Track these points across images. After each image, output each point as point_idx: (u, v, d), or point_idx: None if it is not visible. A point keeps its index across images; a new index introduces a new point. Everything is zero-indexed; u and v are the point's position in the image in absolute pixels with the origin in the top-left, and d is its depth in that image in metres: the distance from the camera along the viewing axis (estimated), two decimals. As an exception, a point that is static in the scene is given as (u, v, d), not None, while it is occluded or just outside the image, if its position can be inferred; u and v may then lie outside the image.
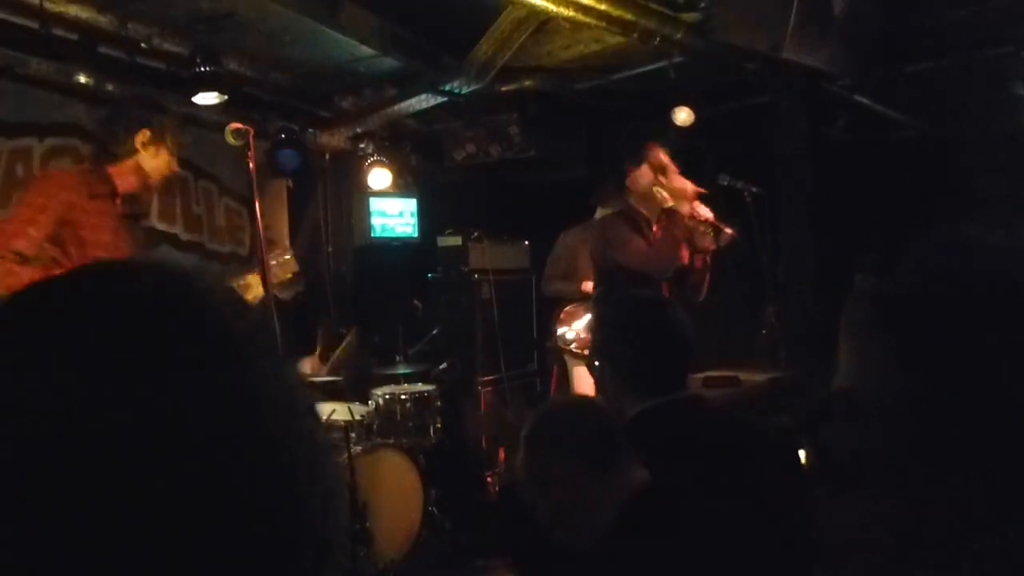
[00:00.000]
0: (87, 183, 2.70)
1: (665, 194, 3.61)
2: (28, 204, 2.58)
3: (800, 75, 3.98)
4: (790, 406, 3.24)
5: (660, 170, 3.63)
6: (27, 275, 2.43)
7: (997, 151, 4.31)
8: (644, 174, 3.66)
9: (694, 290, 3.76)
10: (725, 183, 3.86)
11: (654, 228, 3.68)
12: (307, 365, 4.75)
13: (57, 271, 2.46)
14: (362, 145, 5.39)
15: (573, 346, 4.57)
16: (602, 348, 1.95)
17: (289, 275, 3.16)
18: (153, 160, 2.81)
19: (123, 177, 2.79)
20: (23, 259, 2.51)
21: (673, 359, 1.88)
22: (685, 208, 3.56)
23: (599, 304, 3.60)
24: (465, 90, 4.48)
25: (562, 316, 4.74)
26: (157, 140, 2.79)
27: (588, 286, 4.45)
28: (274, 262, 3.10)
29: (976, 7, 3.77)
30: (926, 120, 5.08)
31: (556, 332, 4.73)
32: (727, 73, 4.56)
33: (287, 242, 5.20)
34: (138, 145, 2.76)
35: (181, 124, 2.90)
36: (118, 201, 2.80)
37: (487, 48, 4.12)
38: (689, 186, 3.61)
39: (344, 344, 4.90)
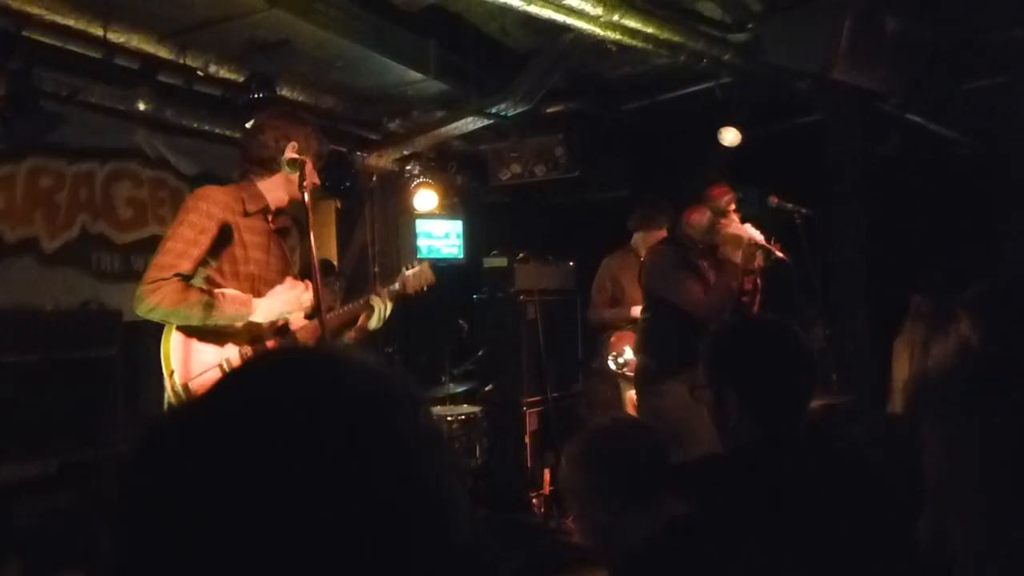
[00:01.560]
0: (240, 200, 2.67)
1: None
2: (190, 225, 2.54)
3: (852, 94, 3.93)
4: (845, 434, 3.18)
5: (721, 213, 3.55)
6: (193, 296, 2.46)
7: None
8: (702, 214, 3.58)
9: (745, 310, 3.71)
10: (774, 205, 3.81)
11: (708, 272, 3.59)
12: None
13: (212, 289, 2.53)
14: (408, 167, 5.45)
15: (626, 370, 4.54)
16: (724, 372, 1.84)
17: (428, 283, 3.17)
18: (299, 173, 2.71)
19: (273, 192, 2.75)
20: (185, 279, 2.50)
21: (803, 386, 1.83)
22: (737, 256, 3.46)
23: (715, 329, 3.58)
24: (511, 112, 4.51)
25: (613, 341, 4.72)
26: (303, 151, 2.73)
27: (636, 311, 4.42)
28: (410, 271, 3.12)
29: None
30: (981, 138, 4.97)
31: (608, 356, 4.70)
32: (776, 93, 4.53)
33: (336, 262, 5.27)
34: (286, 160, 2.69)
35: (320, 135, 2.86)
36: (270, 217, 2.76)
37: (534, 71, 4.15)
38: (745, 233, 3.52)
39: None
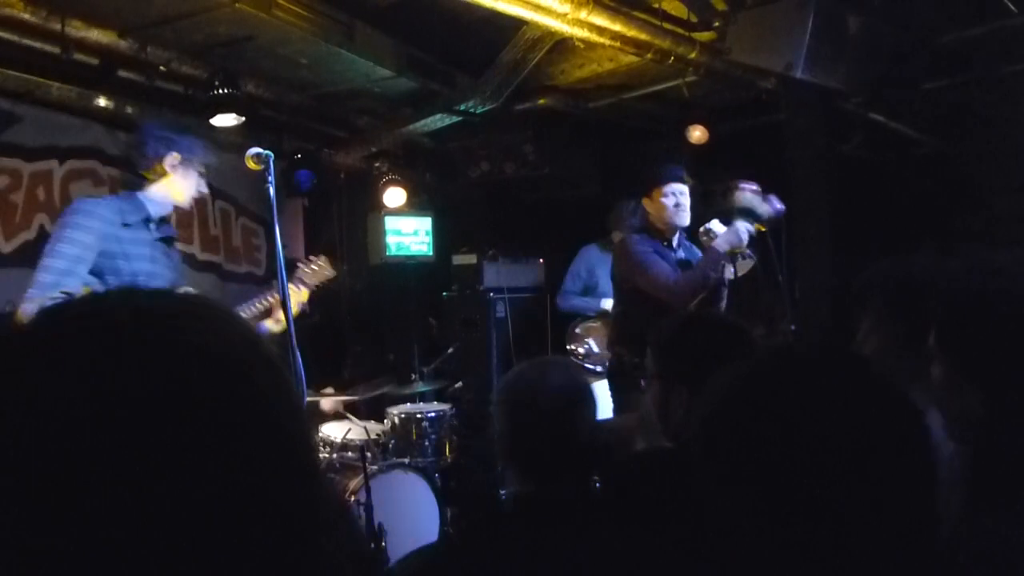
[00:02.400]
0: (119, 211, 2.67)
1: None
2: (71, 241, 2.53)
3: (815, 93, 3.98)
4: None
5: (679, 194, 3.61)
6: None
7: (1014, 169, 4.28)
8: (660, 200, 3.63)
9: (712, 306, 3.75)
10: (755, 234, 3.84)
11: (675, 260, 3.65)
12: (327, 401, 4.61)
13: None
14: (377, 164, 5.42)
15: (587, 362, 4.57)
16: (670, 366, 1.84)
17: (328, 277, 3.20)
18: (183, 182, 2.79)
19: (154, 201, 2.76)
20: (71, 297, 2.47)
21: None
22: (723, 245, 3.51)
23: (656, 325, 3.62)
24: (480, 109, 4.50)
25: (577, 331, 4.74)
26: (186, 162, 2.77)
27: (608, 303, 4.45)
28: (312, 268, 3.13)
29: (993, 25, 3.76)
30: (943, 137, 5.05)
31: (569, 347, 4.72)
32: (741, 91, 4.57)
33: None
34: (167, 168, 2.74)
35: (207, 145, 2.89)
36: (152, 226, 2.77)
37: (502, 68, 4.14)
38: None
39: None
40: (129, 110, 3.95)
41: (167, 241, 2.85)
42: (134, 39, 3.54)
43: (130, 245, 2.66)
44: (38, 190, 3.76)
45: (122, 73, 3.78)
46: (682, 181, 3.65)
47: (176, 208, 2.84)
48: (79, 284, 2.50)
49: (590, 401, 1.67)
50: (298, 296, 2.98)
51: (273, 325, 2.96)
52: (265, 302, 2.98)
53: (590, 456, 1.62)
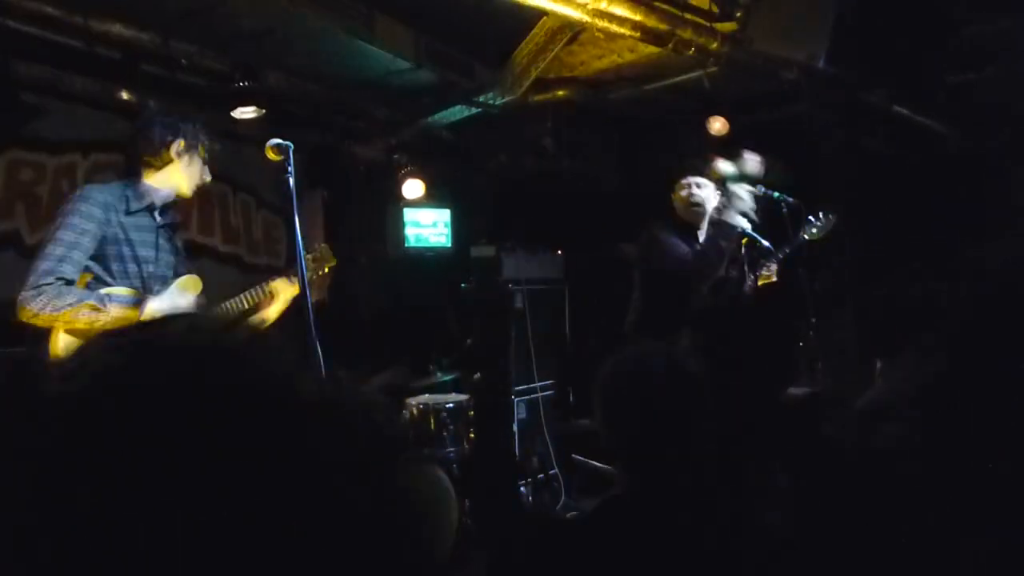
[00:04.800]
0: (123, 198, 2.66)
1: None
2: (70, 227, 2.53)
3: (838, 85, 3.93)
4: (829, 419, 3.20)
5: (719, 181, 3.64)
6: (76, 301, 2.45)
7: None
8: (679, 192, 3.67)
9: (728, 297, 3.75)
10: (761, 194, 3.82)
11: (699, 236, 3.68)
12: None
13: (101, 289, 2.53)
14: (396, 156, 5.43)
15: None
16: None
17: (329, 265, 3.20)
18: (187, 169, 2.77)
19: (159, 188, 2.75)
20: (68, 283, 2.48)
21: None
22: (733, 217, 3.53)
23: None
24: (499, 101, 4.49)
25: None
26: (190, 149, 2.75)
27: None
28: (310, 256, 3.13)
29: (1018, 17, 3.69)
30: (967, 131, 4.98)
31: None
32: (763, 83, 4.52)
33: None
34: (173, 155, 2.72)
35: (211, 132, 2.87)
36: (156, 213, 2.76)
37: (521, 59, 4.13)
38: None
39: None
40: (152, 103, 3.97)
41: (170, 228, 2.84)
42: (156, 33, 3.57)
43: (133, 231, 2.66)
44: (62, 183, 3.81)
45: (145, 67, 3.81)
46: (699, 173, 3.65)
47: (185, 195, 2.83)
48: (75, 271, 2.50)
49: (700, 390, 1.57)
50: (291, 289, 2.96)
51: (263, 317, 2.94)
52: (254, 296, 2.95)
53: (705, 447, 1.55)
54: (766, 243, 3.77)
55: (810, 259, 3.90)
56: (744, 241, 3.78)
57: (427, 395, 4.60)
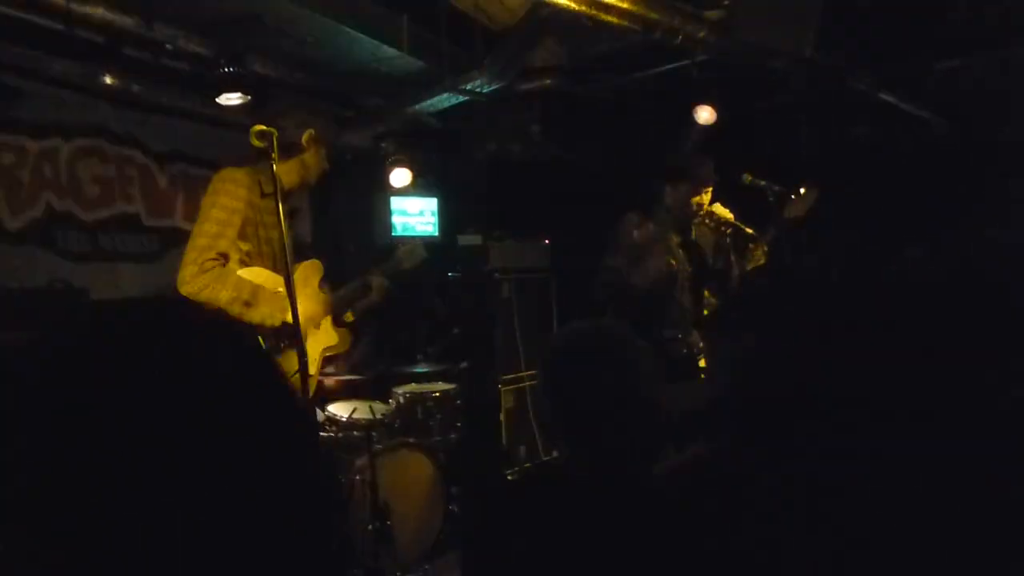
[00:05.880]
0: (259, 181, 2.80)
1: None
2: (222, 207, 2.70)
3: (825, 73, 3.94)
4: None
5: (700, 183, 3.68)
6: (233, 279, 2.65)
7: (1026, 150, 4.24)
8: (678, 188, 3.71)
9: (720, 288, 3.77)
10: (748, 182, 3.83)
11: (675, 246, 3.73)
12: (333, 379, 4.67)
13: (246, 267, 2.69)
14: (383, 144, 5.40)
15: None
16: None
17: (420, 260, 3.32)
18: (314, 158, 2.97)
19: (288, 175, 2.90)
20: (226, 259, 2.66)
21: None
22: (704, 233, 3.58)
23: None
24: (487, 89, 4.47)
25: None
26: (319, 139, 2.94)
27: None
28: (403, 248, 3.39)
29: (1007, 2, 3.71)
30: (954, 118, 5.00)
31: None
32: (751, 71, 4.52)
33: (309, 240, 5.23)
34: (305, 143, 2.91)
35: (331, 123, 3.03)
36: (280, 200, 2.87)
37: (509, 47, 4.11)
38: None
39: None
40: (135, 88, 3.93)
41: (291, 214, 2.95)
42: (139, 16, 3.52)
43: (266, 214, 2.81)
44: (44, 167, 3.76)
45: (128, 51, 3.76)
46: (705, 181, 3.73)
47: (309, 183, 3.04)
48: (228, 246, 2.70)
49: (647, 363, 1.56)
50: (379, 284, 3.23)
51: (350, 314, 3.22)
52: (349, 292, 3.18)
53: (651, 425, 1.54)
54: (750, 231, 3.78)
55: (796, 244, 3.91)
56: (729, 231, 3.79)
57: (414, 384, 4.59)
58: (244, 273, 2.74)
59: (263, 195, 2.80)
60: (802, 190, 3.75)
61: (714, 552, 1.22)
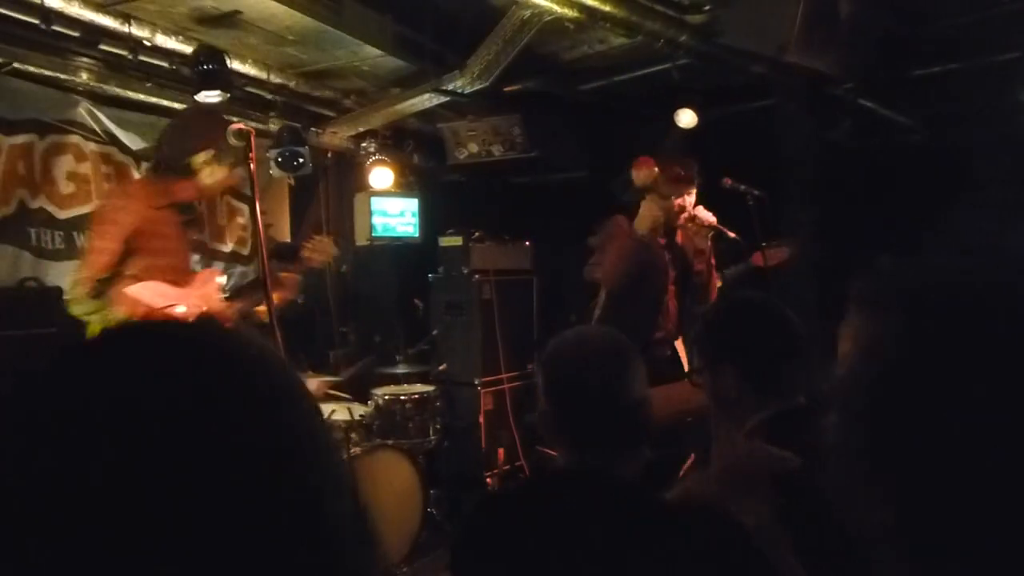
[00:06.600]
0: (151, 195, 2.83)
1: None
2: (112, 223, 2.76)
3: (805, 78, 3.96)
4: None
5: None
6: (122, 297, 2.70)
7: (1003, 157, 4.29)
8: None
9: (700, 293, 3.77)
10: (727, 186, 3.84)
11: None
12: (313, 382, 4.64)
13: (129, 283, 2.68)
14: (364, 144, 5.37)
15: None
16: (724, 351, 1.82)
17: (331, 257, 3.28)
18: (210, 179, 2.94)
19: (184, 191, 2.92)
20: (117, 278, 2.73)
21: (801, 359, 1.81)
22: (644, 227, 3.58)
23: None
24: (468, 90, 4.46)
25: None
26: (216, 160, 2.90)
27: None
28: (310, 245, 3.20)
29: (983, 12, 3.75)
30: (932, 125, 5.05)
31: None
32: (732, 75, 4.54)
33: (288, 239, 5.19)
34: (198, 165, 2.88)
35: (245, 137, 2.88)
36: (177, 211, 2.95)
37: (491, 48, 4.10)
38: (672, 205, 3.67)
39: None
40: (113, 85, 3.89)
41: (189, 224, 3.03)
42: (117, 12, 3.48)
43: (162, 226, 2.85)
44: (18, 164, 3.70)
45: (105, 47, 3.71)
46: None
47: (207, 197, 3.13)
48: (116, 265, 2.78)
49: (637, 368, 1.60)
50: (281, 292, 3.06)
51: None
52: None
53: (639, 426, 1.57)
54: (732, 235, 3.78)
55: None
56: (711, 235, 3.80)
57: (393, 386, 4.57)
58: (138, 289, 2.77)
59: (156, 208, 2.83)
60: (779, 248, 3.76)
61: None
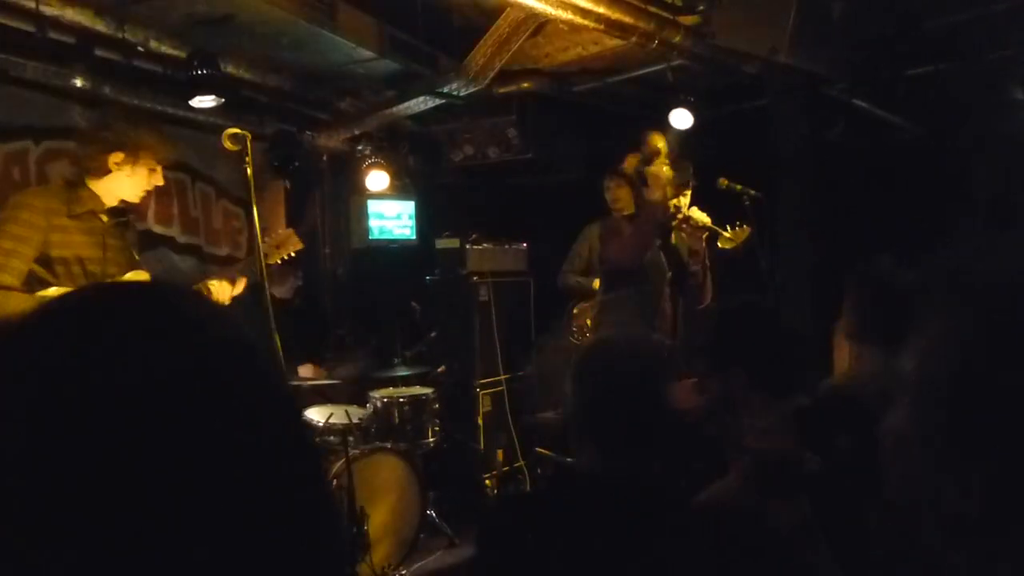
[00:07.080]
0: (66, 202, 2.67)
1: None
2: (8, 235, 2.56)
3: (799, 78, 3.97)
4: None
5: (646, 160, 3.69)
6: (15, 303, 2.47)
7: (997, 155, 4.30)
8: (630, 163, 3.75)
9: (696, 293, 3.77)
10: (723, 187, 3.85)
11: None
12: (308, 370, 4.72)
13: (39, 294, 2.52)
14: (360, 147, 5.37)
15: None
16: (735, 354, 1.86)
17: (295, 250, 3.16)
18: (128, 179, 2.77)
19: (107, 192, 2.77)
20: (9, 288, 2.51)
21: (803, 360, 1.88)
22: (656, 195, 3.58)
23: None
24: (463, 92, 4.46)
25: (576, 313, 4.76)
26: (131, 160, 2.74)
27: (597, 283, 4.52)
28: (271, 240, 3.10)
29: (977, 11, 3.76)
30: (926, 124, 5.06)
31: (571, 328, 4.74)
32: (726, 76, 4.55)
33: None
34: (111, 166, 2.73)
35: (162, 138, 2.82)
36: (103, 216, 2.77)
37: (485, 50, 4.11)
38: (665, 176, 3.67)
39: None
40: (107, 90, 3.88)
41: (123, 226, 2.87)
42: (111, 18, 3.48)
43: (77, 234, 2.68)
44: (13, 171, 3.70)
45: (99, 52, 3.71)
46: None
47: (129, 201, 2.85)
48: (14, 277, 2.56)
49: (669, 373, 1.64)
50: (237, 287, 2.95)
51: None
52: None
53: (670, 430, 1.59)
54: (727, 235, 3.79)
55: (771, 249, 3.94)
56: (705, 236, 3.80)
57: (391, 388, 4.57)
58: (49, 294, 2.63)
59: (72, 215, 2.68)
60: (739, 226, 3.75)
61: None
